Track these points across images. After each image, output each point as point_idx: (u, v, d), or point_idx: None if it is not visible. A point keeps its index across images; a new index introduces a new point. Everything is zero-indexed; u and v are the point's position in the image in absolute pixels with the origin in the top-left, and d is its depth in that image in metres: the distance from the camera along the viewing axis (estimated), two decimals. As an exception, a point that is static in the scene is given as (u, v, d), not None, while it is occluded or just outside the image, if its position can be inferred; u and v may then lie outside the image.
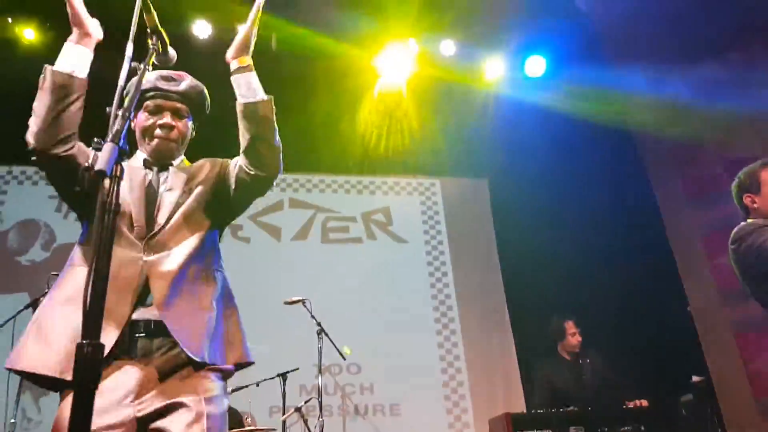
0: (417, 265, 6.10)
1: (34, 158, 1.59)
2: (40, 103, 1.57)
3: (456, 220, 6.42)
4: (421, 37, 5.51)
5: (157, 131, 1.79)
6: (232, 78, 1.75)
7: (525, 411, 4.63)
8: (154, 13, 1.48)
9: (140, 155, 1.81)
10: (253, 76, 1.75)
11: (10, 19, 5.06)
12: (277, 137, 1.75)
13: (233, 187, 1.78)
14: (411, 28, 5.36)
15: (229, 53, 1.76)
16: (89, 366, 1.00)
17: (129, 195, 1.66)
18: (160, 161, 1.80)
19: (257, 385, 4.27)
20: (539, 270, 5.68)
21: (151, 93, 1.81)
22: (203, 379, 1.54)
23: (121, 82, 1.32)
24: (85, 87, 1.64)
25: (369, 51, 5.50)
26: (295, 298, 4.13)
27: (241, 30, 1.75)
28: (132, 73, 1.38)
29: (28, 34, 5.11)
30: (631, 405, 3.97)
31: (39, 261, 5.29)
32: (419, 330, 5.69)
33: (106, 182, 1.14)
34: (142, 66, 1.40)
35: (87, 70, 1.65)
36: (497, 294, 6.03)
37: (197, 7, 5.11)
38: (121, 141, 1.18)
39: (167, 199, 1.73)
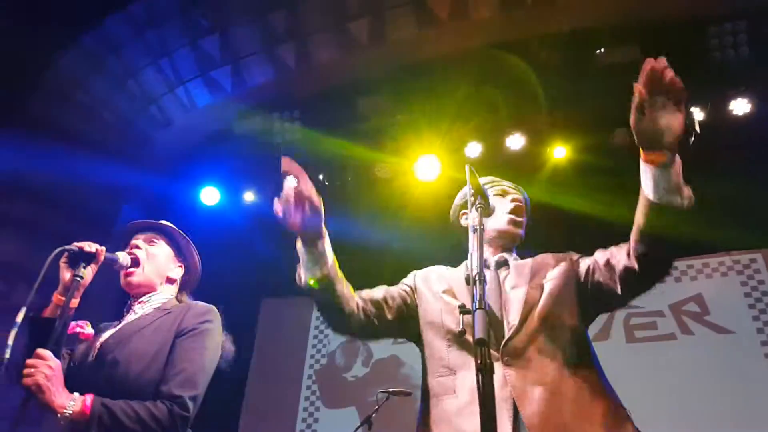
0: (752, 360, 5.00)
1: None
2: None
3: (794, 298, 5.18)
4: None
5: (510, 216, 1.76)
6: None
7: None
8: (477, 176, 1.56)
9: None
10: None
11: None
12: None
13: (614, 288, 1.51)
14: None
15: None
16: None
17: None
18: (502, 250, 1.73)
19: None
20: None
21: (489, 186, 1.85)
22: None
23: (471, 255, 1.38)
24: (328, 272, 1.54)
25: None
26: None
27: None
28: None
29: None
30: None
31: (361, 376, 5.90)
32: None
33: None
34: (478, 227, 1.46)
35: (325, 256, 1.54)
36: None
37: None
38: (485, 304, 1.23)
39: (515, 297, 1.57)
